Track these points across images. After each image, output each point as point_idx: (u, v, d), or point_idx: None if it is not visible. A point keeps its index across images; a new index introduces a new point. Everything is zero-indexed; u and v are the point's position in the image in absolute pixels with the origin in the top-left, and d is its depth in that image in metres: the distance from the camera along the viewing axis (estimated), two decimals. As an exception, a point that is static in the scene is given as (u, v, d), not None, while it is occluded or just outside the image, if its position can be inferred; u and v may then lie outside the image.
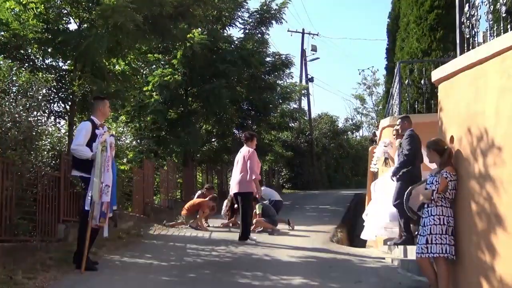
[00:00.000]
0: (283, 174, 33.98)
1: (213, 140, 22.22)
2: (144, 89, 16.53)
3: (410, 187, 7.73)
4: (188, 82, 18.38)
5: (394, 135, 9.33)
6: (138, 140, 17.17)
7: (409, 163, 8.19)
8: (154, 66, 18.16)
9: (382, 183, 9.36)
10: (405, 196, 7.53)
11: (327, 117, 40.32)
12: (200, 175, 22.35)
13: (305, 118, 35.86)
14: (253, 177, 9.60)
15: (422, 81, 11.42)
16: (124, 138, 13.75)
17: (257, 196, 10.01)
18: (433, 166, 6.86)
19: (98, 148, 6.40)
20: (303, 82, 36.57)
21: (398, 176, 8.31)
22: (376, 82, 51.24)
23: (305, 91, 34.39)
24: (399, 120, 8.81)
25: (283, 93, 22.45)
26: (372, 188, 9.73)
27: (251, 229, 10.29)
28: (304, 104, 37.60)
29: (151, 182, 14.47)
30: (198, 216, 11.72)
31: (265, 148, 22.73)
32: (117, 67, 11.02)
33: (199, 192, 13.89)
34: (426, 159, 8.38)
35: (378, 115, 43.24)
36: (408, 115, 9.33)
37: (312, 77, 39.90)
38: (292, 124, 26.27)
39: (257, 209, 11.31)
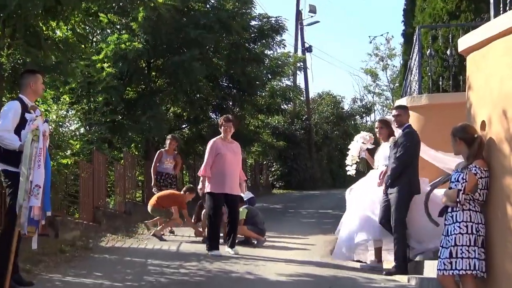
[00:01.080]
0: (273, 169, 34.02)
1: (184, 126, 22.16)
2: (94, 58, 16.30)
3: (431, 184, 7.75)
4: (151, 52, 18.22)
5: (376, 128, 9.16)
6: (87, 127, 17.06)
7: (402, 168, 8.19)
8: (108, 31, 18.03)
9: (359, 189, 9.28)
10: (425, 198, 7.55)
11: (329, 97, 40.51)
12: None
13: (302, 98, 35.94)
14: (200, 173, 9.94)
15: (448, 51, 11.42)
16: (67, 124, 13.67)
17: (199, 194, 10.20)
18: (447, 163, 6.89)
19: (28, 138, 6.29)
20: (299, 53, 36.60)
21: (389, 185, 8.29)
22: (391, 53, 51.66)
23: (301, 63, 34.27)
24: (395, 111, 8.71)
25: (273, 66, 22.43)
26: (347, 193, 9.61)
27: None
28: (300, 80, 37.78)
29: (103, 180, 14.42)
30: (172, 215, 11.62)
31: (250, 136, 22.73)
32: (58, 32, 10.89)
33: (162, 150, 13.19)
34: (430, 158, 8.41)
35: (394, 95, 43.50)
36: (406, 105, 9.18)
37: (310, 46, 40.10)
38: (285, 106, 26.30)
39: (241, 214, 11.23)
